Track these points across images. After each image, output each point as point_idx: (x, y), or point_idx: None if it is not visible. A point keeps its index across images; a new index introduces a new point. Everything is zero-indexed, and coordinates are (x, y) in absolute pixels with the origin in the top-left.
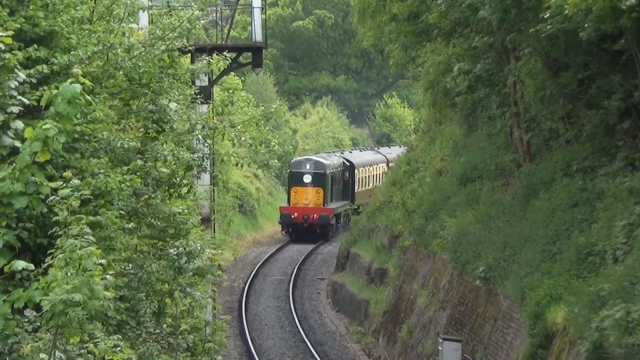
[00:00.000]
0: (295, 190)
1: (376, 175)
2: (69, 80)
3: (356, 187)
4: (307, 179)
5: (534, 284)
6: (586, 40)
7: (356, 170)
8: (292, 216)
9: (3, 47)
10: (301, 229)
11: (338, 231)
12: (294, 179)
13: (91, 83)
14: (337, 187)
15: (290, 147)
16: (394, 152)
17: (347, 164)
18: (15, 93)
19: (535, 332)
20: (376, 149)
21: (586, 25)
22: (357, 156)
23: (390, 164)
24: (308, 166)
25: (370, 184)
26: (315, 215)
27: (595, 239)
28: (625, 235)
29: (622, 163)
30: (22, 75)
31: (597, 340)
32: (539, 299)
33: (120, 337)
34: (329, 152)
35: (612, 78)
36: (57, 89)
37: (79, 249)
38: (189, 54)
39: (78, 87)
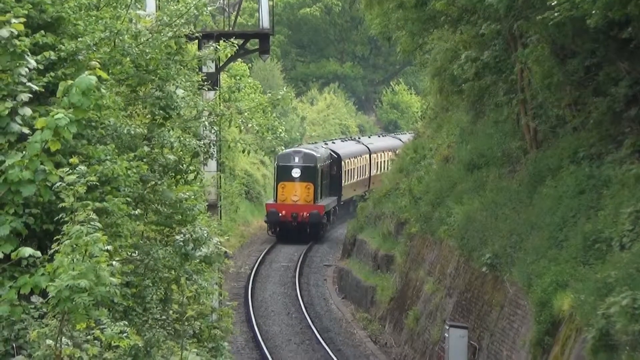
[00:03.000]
0: (283, 186)
1: (360, 167)
2: (86, 72)
3: (343, 181)
4: (296, 173)
5: (540, 270)
6: (593, 28)
7: (342, 163)
8: (280, 214)
9: (16, 33)
10: (290, 229)
11: (328, 231)
12: (282, 173)
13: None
14: (326, 181)
15: (298, 134)
16: (375, 142)
17: (335, 155)
18: (24, 80)
19: (541, 319)
20: (357, 138)
21: (593, 12)
22: (341, 147)
23: (372, 155)
24: (297, 159)
25: (355, 177)
26: (305, 213)
27: (602, 226)
28: (632, 222)
29: (629, 150)
30: (32, 62)
31: (603, 327)
32: (545, 286)
33: (126, 323)
34: (315, 143)
35: (619, 65)
36: (65, 75)
37: (86, 235)
38: (196, 41)
39: (94, 79)
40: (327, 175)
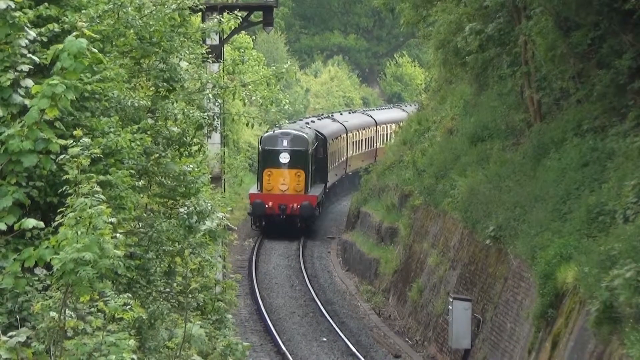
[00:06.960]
0: (269, 173)
1: (340, 148)
2: (74, 34)
3: (328, 165)
4: (285, 158)
5: (544, 243)
6: (597, 0)
7: (328, 145)
8: (266, 206)
9: (13, 6)
10: (277, 222)
11: (317, 224)
12: (267, 159)
13: (101, 41)
14: (316, 167)
15: (302, 106)
16: (349, 120)
17: (321, 136)
18: (25, 51)
19: (545, 291)
20: (331, 116)
21: None
22: (323, 126)
23: (349, 134)
24: (285, 142)
25: (337, 160)
26: (295, 205)
27: (606, 199)
28: (635, 194)
29: (632, 123)
30: (32, 33)
31: (607, 299)
32: (549, 259)
33: (130, 295)
34: (294, 122)
35: (623, 38)
36: None
37: (89, 208)
38: (200, 13)
39: (84, 42)
40: (315, 159)
